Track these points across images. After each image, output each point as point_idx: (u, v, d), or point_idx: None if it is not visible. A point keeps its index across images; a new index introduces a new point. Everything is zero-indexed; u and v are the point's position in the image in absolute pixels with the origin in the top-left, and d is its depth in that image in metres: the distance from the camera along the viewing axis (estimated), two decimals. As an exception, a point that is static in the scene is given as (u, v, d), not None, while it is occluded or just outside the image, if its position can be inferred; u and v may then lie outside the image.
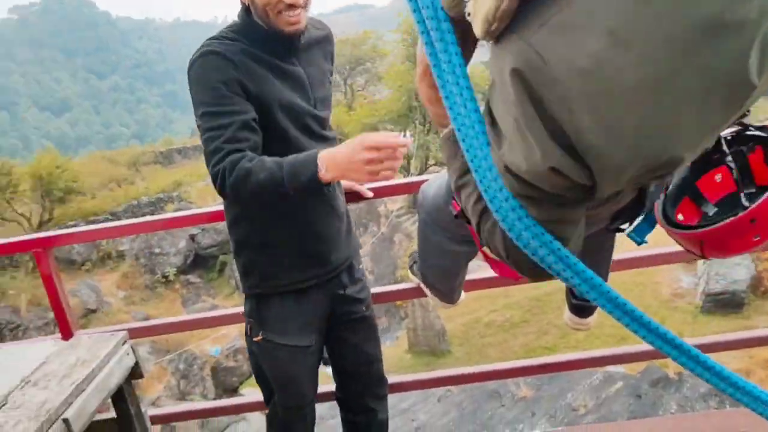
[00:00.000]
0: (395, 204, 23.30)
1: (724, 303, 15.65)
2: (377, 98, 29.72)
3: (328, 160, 1.52)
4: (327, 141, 1.83)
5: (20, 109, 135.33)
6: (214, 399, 13.13)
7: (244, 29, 1.67)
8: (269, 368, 1.95)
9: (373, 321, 2.08)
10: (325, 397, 2.23)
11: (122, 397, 1.93)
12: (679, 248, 1.31)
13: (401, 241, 22.04)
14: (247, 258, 1.84)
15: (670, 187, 1.29)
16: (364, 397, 2.12)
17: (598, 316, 2.05)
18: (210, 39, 1.66)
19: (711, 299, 15.82)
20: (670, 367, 6.16)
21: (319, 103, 1.78)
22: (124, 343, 1.95)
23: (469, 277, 2.14)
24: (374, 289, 2.29)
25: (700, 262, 16.45)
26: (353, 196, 2.17)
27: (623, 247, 1.67)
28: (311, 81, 1.76)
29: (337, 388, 2.17)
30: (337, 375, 2.14)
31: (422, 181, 1.86)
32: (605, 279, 1.90)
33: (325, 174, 1.51)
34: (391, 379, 2.30)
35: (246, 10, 1.68)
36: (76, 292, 15.23)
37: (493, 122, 0.93)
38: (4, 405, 1.64)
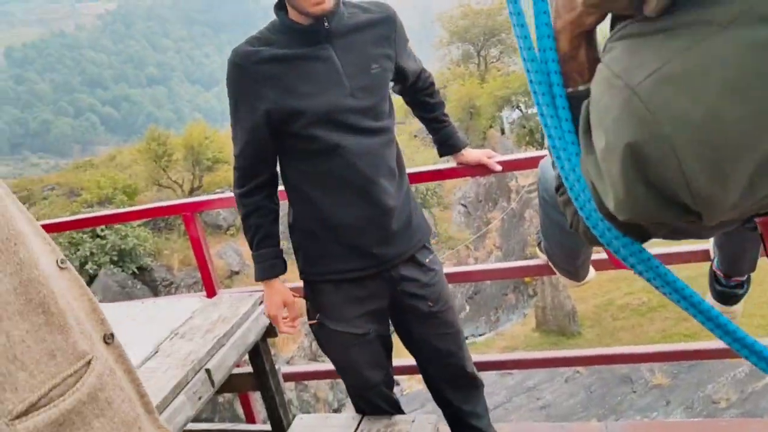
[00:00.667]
0: (527, 179, 22.72)
1: None
2: (512, 70, 28.95)
3: (266, 288, 1.88)
4: (372, 133, 1.76)
5: (174, 84, 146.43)
6: (343, 362, 13.68)
7: (279, 26, 1.73)
8: (327, 352, 1.99)
9: (445, 316, 1.98)
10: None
11: (258, 353, 2.06)
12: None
13: (532, 218, 21.50)
14: (295, 242, 1.91)
15: None
16: (441, 391, 2.09)
17: (747, 305, 1.90)
18: (243, 43, 1.76)
19: None
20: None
21: (359, 92, 1.72)
22: (260, 303, 2.07)
23: (599, 256, 2.05)
24: (501, 264, 2.27)
25: None
26: (482, 170, 2.14)
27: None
28: (347, 69, 1.70)
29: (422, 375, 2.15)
30: (418, 365, 2.12)
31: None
32: (751, 266, 1.76)
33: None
34: (516, 355, 2.27)
35: (279, 5, 1.74)
36: (222, 255, 16.37)
37: (587, 133, 0.89)
38: (156, 353, 1.82)
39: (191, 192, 18.03)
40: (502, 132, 28.92)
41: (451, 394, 2.07)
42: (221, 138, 20.14)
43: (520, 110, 26.07)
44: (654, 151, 0.73)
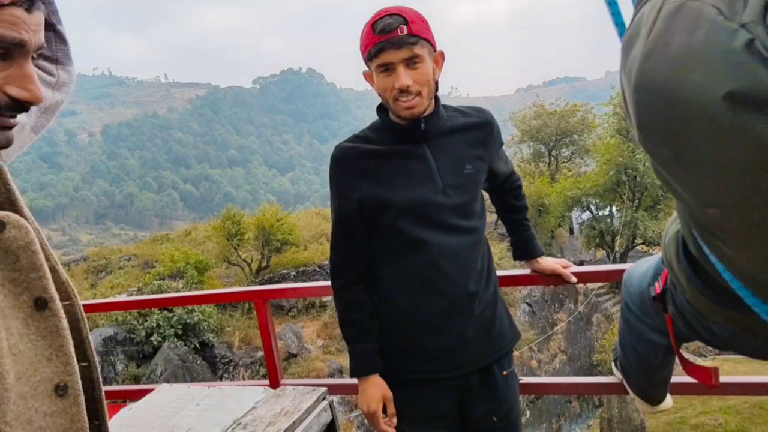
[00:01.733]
0: (595, 283, 22.08)
1: None
2: (583, 171, 28.85)
3: (363, 383, 1.80)
4: (460, 232, 1.77)
5: (253, 166, 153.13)
6: (395, 460, 13.20)
7: (379, 125, 1.83)
8: None
9: None
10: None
11: (317, 450, 2.02)
12: None
13: (600, 322, 20.72)
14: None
15: None
16: None
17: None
18: (344, 140, 1.84)
19: None
20: None
21: (451, 190, 1.75)
22: (323, 399, 2.06)
23: (679, 379, 1.95)
24: (573, 379, 2.19)
25: None
26: (556, 279, 2.11)
27: None
28: (441, 167, 1.76)
29: None
30: None
31: (624, 270, 1.77)
32: None
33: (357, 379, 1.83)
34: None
35: (381, 107, 1.83)
36: (282, 336, 16.44)
37: None
38: (218, 441, 1.82)
39: (258, 271, 18.41)
40: (571, 232, 28.49)
41: None
42: (291, 221, 20.69)
43: (591, 212, 25.71)
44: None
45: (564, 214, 25.95)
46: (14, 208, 0.90)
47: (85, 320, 0.99)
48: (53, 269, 0.92)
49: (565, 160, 31.53)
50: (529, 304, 18.91)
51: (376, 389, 1.77)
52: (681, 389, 2.04)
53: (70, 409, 0.86)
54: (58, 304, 0.87)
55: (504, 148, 2.01)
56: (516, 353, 16.33)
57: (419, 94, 1.69)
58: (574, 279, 2.08)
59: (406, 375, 1.80)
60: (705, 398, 15.42)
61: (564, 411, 17.86)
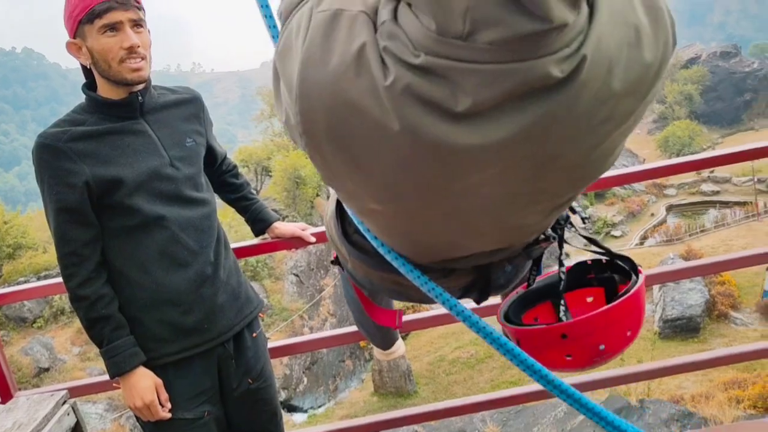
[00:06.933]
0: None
1: (681, 328, 16.07)
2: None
3: (129, 379, 1.67)
4: (195, 204, 1.77)
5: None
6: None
7: (88, 106, 1.71)
8: None
9: (264, 393, 1.93)
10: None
11: (64, 459, 1.83)
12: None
13: (363, 282, 21.86)
14: None
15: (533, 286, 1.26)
16: None
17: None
18: (49, 127, 1.67)
19: (668, 325, 16.23)
20: (632, 395, 6.21)
21: (178, 162, 1.74)
22: (64, 403, 1.87)
23: (421, 315, 2.13)
24: (334, 331, 2.28)
25: (656, 287, 16.83)
26: (298, 242, 2.19)
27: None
28: (163, 141, 1.73)
29: None
30: None
31: None
32: None
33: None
34: (350, 423, 2.26)
35: (88, 86, 1.72)
36: (28, 351, 14.69)
37: None
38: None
39: (-12, 283, 16.04)
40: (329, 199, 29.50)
41: None
42: (23, 222, 18.35)
43: (345, 178, 26.84)
44: None
45: (321, 183, 26.75)
46: None
47: None
48: None
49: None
50: (296, 275, 19.28)
51: (147, 379, 1.68)
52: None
53: None
54: None
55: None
56: (287, 323, 16.61)
57: (144, 58, 1.65)
58: (312, 239, 2.17)
59: (164, 359, 1.73)
60: (459, 335, 17.30)
61: (339, 371, 18.70)
